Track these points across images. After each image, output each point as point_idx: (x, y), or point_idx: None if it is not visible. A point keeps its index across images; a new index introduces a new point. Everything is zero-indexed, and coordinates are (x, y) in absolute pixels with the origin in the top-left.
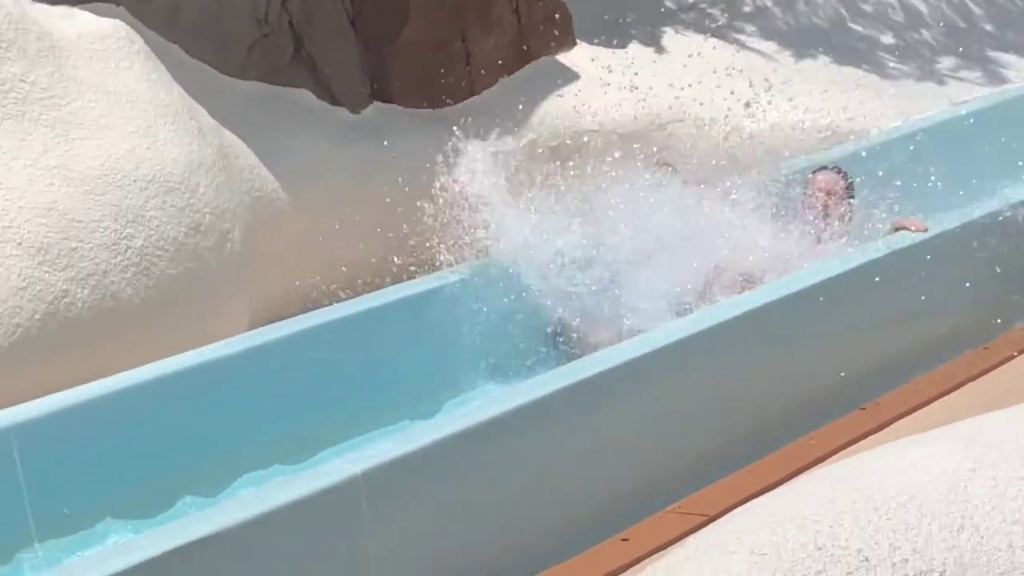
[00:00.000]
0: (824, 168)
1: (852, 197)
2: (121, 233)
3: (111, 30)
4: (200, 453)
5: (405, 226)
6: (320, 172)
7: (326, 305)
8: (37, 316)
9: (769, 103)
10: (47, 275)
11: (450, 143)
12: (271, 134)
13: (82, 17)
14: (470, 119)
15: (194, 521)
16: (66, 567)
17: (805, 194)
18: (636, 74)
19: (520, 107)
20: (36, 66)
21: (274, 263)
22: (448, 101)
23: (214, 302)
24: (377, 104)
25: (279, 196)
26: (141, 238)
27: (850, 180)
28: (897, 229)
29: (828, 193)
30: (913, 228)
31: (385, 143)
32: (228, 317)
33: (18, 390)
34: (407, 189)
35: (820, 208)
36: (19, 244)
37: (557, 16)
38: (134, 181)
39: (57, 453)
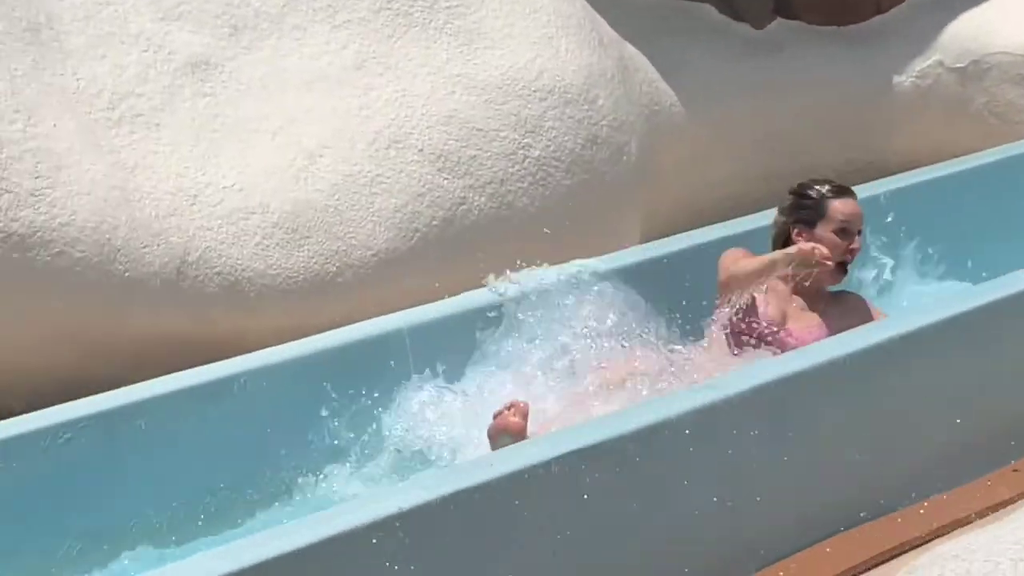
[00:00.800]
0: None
1: None
2: (520, 143)
3: None
4: None
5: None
6: (720, 87)
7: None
8: (435, 222)
9: None
10: (446, 182)
11: None
12: (671, 48)
13: None
14: (876, 38)
15: (579, 431)
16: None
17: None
18: None
19: (927, 26)
20: None
21: (668, 178)
22: (854, 19)
23: (607, 215)
24: (781, 20)
25: (677, 111)
26: (539, 148)
27: None
28: None
29: None
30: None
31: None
32: (621, 230)
33: (415, 293)
34: (809, 106)
35: None
36: (420, 151)
37: None
38: (534, 91)
39: (443, 354)
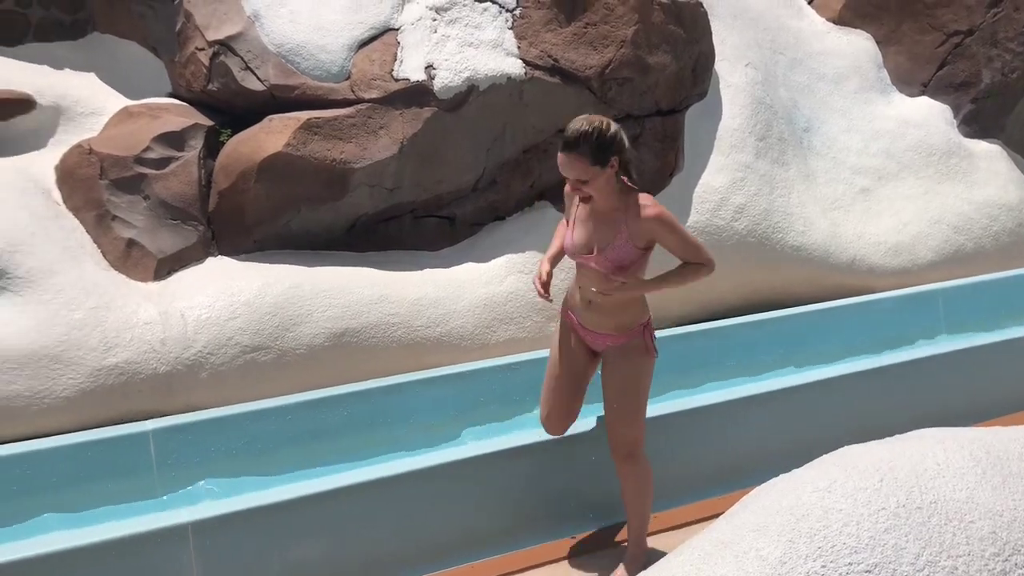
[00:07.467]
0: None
1: (604, 161)
2: (991, 221)
3: (997, 150)
4: None
5: None
6: None
7: None
8: (938, 225)
9: None
10: (966, 208)
11: None
12: None
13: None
14: None
15: None
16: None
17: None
18: None
19: None
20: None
21: None
22: None
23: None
24: None
25: None
26: (1001, 223)
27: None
28: None
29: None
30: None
31: None
32: None
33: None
34: None
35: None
36: (951, 229)
37: None
38: (998, 204)
39: None
